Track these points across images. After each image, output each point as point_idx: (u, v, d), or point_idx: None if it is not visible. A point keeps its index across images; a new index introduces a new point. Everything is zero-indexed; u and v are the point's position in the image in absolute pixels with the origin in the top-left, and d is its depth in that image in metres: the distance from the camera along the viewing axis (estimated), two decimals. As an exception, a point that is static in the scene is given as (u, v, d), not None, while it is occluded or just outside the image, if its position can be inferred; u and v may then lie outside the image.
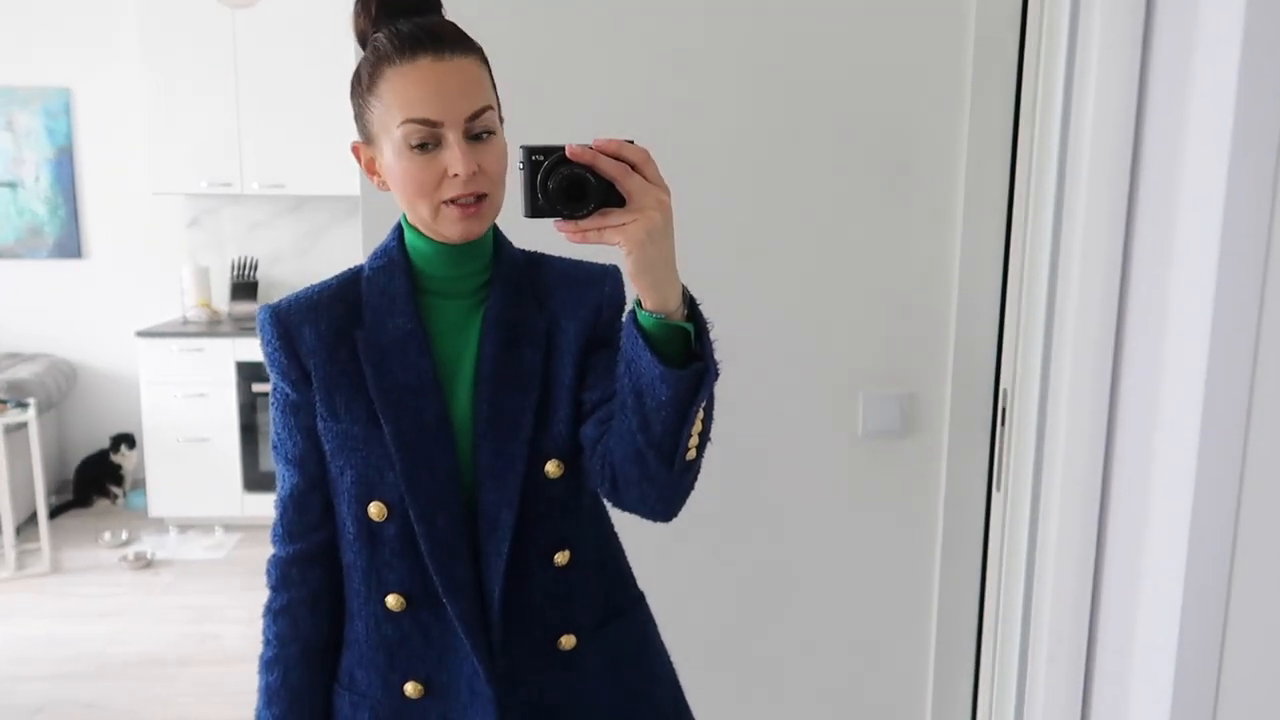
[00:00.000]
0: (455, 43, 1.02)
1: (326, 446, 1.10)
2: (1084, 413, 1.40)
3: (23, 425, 4.12)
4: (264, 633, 1.14)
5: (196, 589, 3.87)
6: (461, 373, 1.11)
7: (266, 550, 1.16)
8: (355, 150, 1.09)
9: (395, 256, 1.10)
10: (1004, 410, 1.72)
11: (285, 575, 1.13)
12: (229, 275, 4.81)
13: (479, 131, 1.02)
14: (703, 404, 0.98)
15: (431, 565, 1.07)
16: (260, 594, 1.16)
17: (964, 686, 1.88)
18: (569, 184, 0.89)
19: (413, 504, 1.07)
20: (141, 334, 4.39)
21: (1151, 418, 1.23)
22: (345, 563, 1.12)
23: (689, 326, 0.95)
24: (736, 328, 1.74)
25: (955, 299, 1.74)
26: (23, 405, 4.05)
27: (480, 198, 1.03)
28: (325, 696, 1.15)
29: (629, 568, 1.26)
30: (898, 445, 1.79)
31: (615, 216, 0.89)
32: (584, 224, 0.91)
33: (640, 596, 1.27)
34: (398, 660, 1.11)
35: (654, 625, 1.28)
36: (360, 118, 1.06)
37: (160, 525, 4.50)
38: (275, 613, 1.13)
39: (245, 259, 4.80)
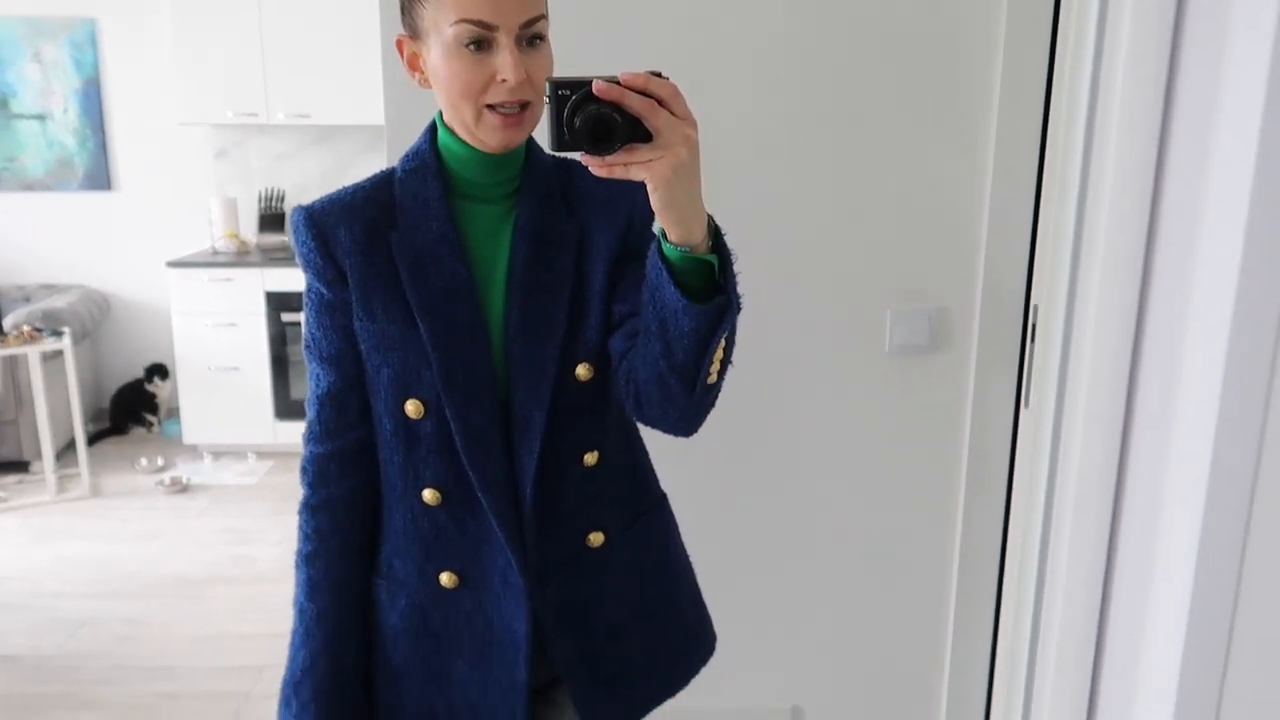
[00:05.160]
0: None
1: (363, 346, 1.11)
2: (1110, 331, 1.40)
3: (58, 354, 4.20)
4: (301, 528, 1.16)
5: (231, 513, 3.96)
6: (495, 277, 1.12)
7: (298, 476, 1.18)
8: (399, 44, 1.08)
9: (428, 159, 1.11)
10: (1034, 326, 1.71)
11: (324, 471, 1.15)
12: (256, 206, 4.83)
13: (531, 37, 1.02)
14: (724, 335, 0.98)
15: (467, 461, 1.10)
16: (291, 517, 1.18)
17: (986, 604, 1.91)
18: (595, 123, 0.88)
19: (449, 402, 1.09)
20: (172, 264, 4.43)
21: (1179, 338, 1.22)
22: (382, 458, 1.14)
23: (713, 259, 0.95)
24: (764, 243, 1.75)
25: (987, 212, 1.73)
26: (58, 334, 4.12)
27: (524, 106, 1.03)
28: (365, 588, 1.18)
29: (653, 470, 1.29)
30: (925, 360, 1.80)
31: (641, 153, 0.88)
32: (610, 159, 0.90)
33: (663, 498, 1.30)
34: (434, 552, 1.14)
35: (676, 526, 1.31)
36: (409, 11, 1.05)
37: (195, 452, 4.60)
38: (314, 508, 1.15)
39: (272, 190, 4.81)
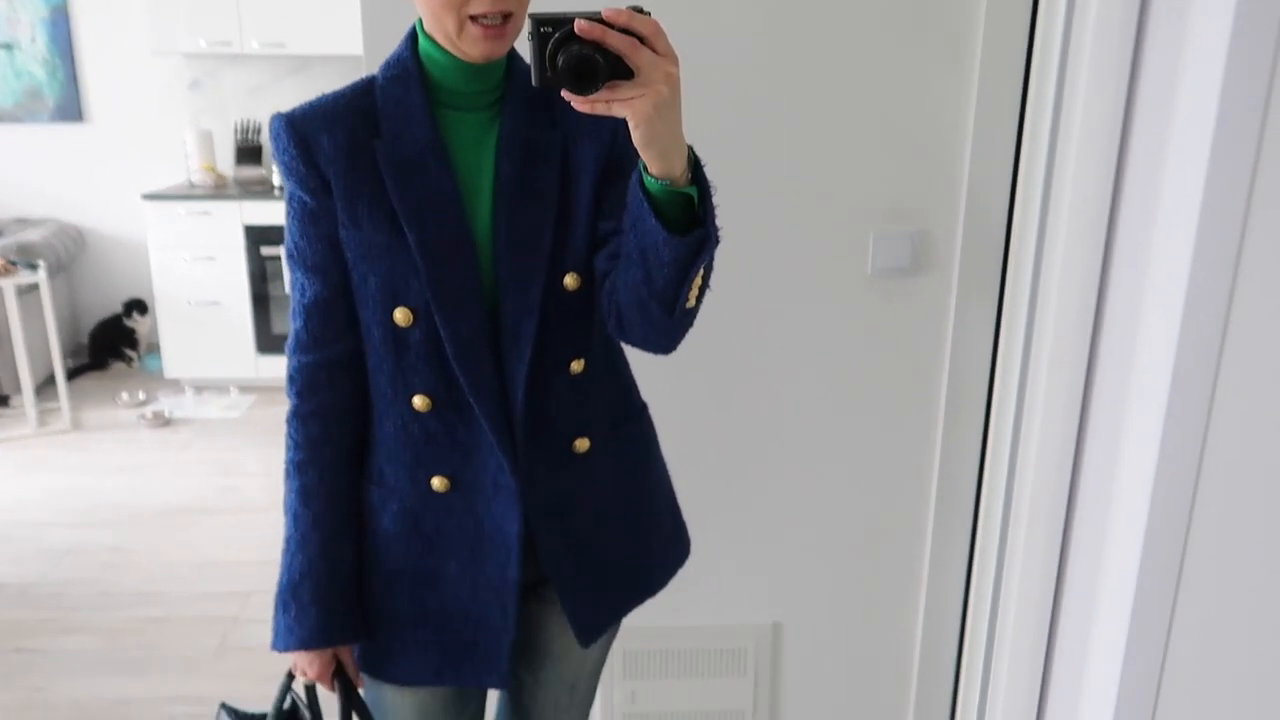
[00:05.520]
0: None
1: (349, 254, 1.11)
2: (1079, 250, 1.42)
3: (34, 288, 4.15)
4: (292, 437, 1.17)
5: (215, 446, 3.97)
6: (480, 188, 1.12)
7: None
8: None
9: (409, 67, 1.10)
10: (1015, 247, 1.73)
11: (313, 380, 1.15)
12: (232, 139, 4.76)
13: None
14: (703, 265, 1.02)
15: (458, 368, 1.11)
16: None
17: (963, 522, 1.95)
18: (578, 63, 0.89)
19: (438, 311, 1.10)
20: (148, 197, 4.37)
21: (1144, 260, 1.25)
22: (371, 366, 1.15)
23: (693, 191, 0.97)
24: (748, 163, 1.75)
25: (971, 134, 1.73)
26: (33, 267, 4.07)
27: (506, 18, 1.03)
28: (357, 494, 1.20)
29: (634, 380, 1.31)
30: (907, 283, 1.81)
31: (623, 90, 0.89)
32: (592, 98, 0.91)
33: (644, 407, 1.32)
34: (424, 457, 1.16)
35: (655, 437, 1.34)
36: None
37: (176, 386, 4.59)
38: (304, 417, 1.16)
39: (248, 123, 4.74)
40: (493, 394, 1.13)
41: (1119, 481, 1.32)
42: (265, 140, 4.75)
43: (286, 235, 1.14)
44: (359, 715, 1.23)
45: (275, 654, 1.19)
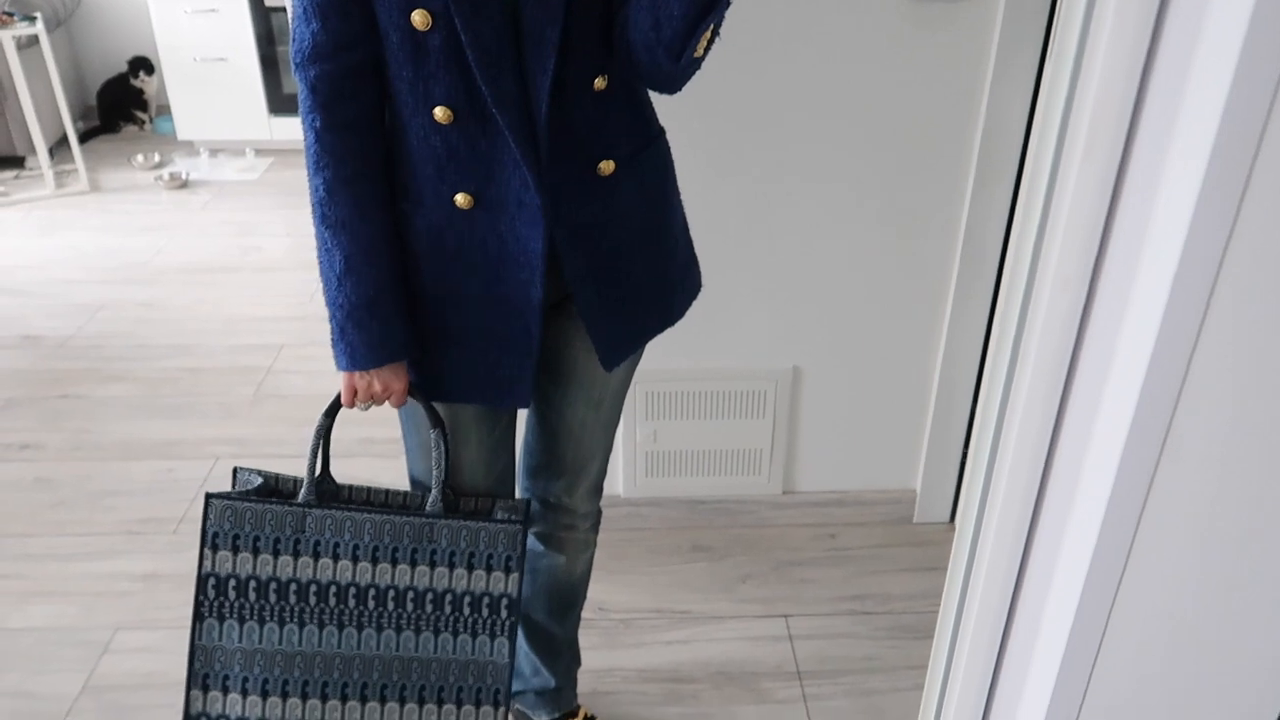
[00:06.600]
0: None
1: None
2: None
3: (34, 41, 4.01)
4: (331, 152, 1.10)
5: (234, 207, 3.95)
6: None
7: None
8: None
9: None
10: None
11: (339, 90, 1.09)
12: (226, -122, 4.42)
13: None
14: (713, 22, 1.01)
15: (479, 75, 1.07)
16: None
17: (988, 271, 1.94)
18: None
19: (458, 13, 1.04)
20: (141, -58, 4.13)
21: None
22: (390, 74, 1.10)
23: None
24: None
25: None
26: (30, 19, 3.91)
27: None
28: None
29: (651, 103, 1.26)
30: (949, 10, 1.70)
31: None
32: None
33: (662, 131, 1.28)
34: (447, 173, 1.13)
35: (672, 162, 1.30)
36: None
37: (191, 148, 4.52)
38: (339, 128, 1.10)
39: None
40: (516, 104, 1.09)
41: (1151, 240, 1.28)
42: (260, -120, 4.41)
43: None
44: (438, 425, 1.25)
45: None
